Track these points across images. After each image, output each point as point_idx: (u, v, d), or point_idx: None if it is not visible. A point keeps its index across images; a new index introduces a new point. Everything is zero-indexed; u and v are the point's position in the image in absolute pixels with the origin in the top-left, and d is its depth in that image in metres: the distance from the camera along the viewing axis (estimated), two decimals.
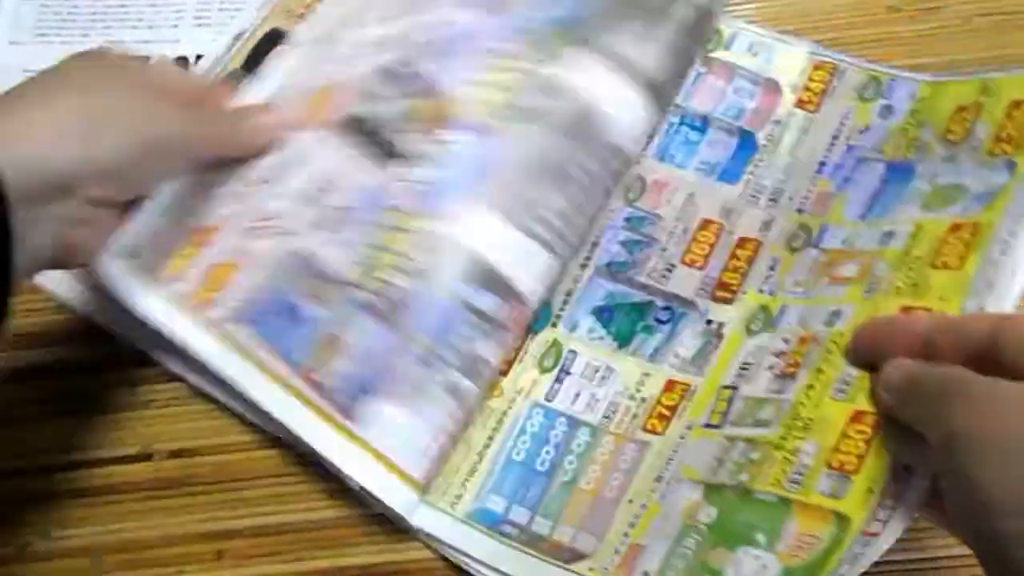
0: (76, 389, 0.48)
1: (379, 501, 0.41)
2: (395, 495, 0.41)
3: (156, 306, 0.43)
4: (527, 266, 0.44)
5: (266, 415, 0.42)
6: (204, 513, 0.45)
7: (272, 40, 0.53)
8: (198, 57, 0.57)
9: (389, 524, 0.44)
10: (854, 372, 0.41)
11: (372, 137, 0.46)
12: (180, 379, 0.47)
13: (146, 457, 0.46)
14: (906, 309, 0.42)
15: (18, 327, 0.48)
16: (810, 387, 0.42)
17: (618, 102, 0.47)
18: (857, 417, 0.40)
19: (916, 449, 0.35)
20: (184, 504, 0.45)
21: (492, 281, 0.43)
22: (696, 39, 0.51)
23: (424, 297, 0.43)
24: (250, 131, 0.47)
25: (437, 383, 0.42)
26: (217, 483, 0.46)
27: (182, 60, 0.57)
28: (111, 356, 0.48)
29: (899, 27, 0.54)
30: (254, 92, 0.49)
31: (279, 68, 0.50)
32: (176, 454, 0.46)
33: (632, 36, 0.48)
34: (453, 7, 0.49)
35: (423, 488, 0.42)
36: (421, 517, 0.43)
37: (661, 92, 0.49)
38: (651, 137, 0.50)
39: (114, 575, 0.44)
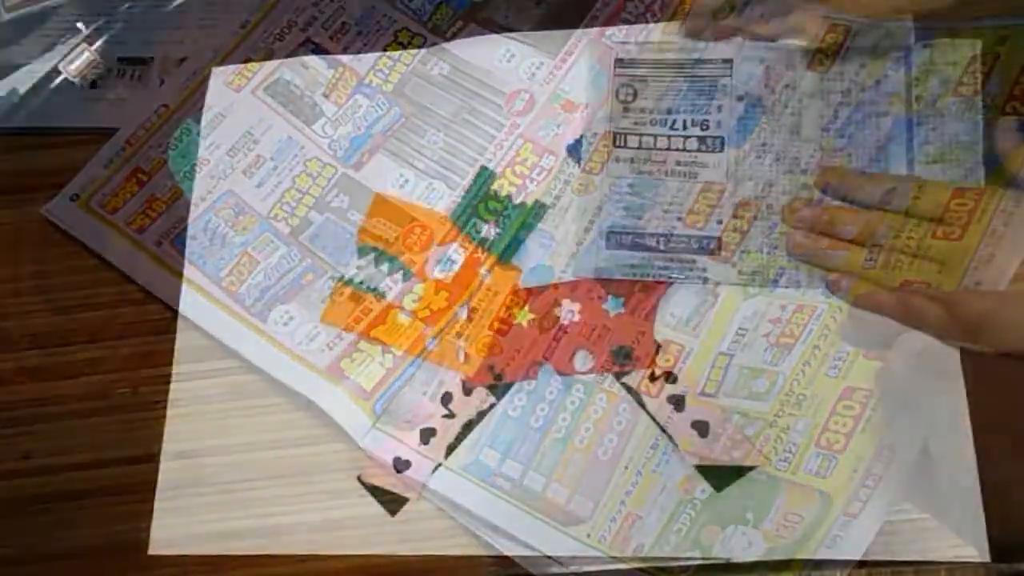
0: (80, 390, 0.48)
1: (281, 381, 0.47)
2: (296, 376, 0.47)
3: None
4: (426, 199, 0.51)
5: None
6: (208, 514, 0.46)
7: None
8: None
9: (393, 525, 0.45)
10: (848, 348, 0.41)
11: (297, 99, 0.54)
12: (183, 381, 0.48)
13: (150, 458, 0.47)
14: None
15: (27, 327, 0.50)
16: (806, 363, 0.42)
17: (503, 57, 0.54)
18: (846, 393, 0.40)
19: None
20: (188, 505, 0.46)
21: (390, 211, 0.51)
22: None
23: (332, 228, 0.51)
24: None
25: (343, 294, 0.49)
26: (221, 484, 0.46)
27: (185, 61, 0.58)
28: (115, 357, 0.49)
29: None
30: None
31: None
32: (180, 455, 0.47)
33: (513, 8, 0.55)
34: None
35: (334, 380, 0.47)
36: (415, 467, 0.44)
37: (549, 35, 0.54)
38: (660, 100, 0.51)
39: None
